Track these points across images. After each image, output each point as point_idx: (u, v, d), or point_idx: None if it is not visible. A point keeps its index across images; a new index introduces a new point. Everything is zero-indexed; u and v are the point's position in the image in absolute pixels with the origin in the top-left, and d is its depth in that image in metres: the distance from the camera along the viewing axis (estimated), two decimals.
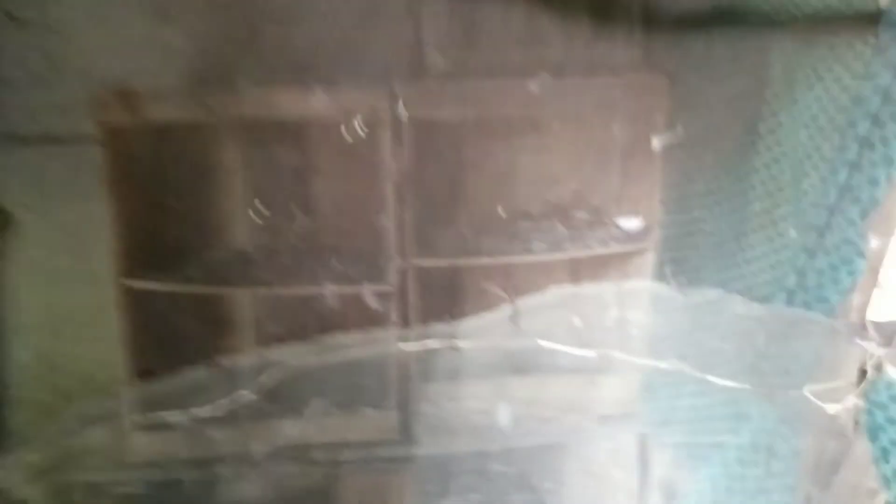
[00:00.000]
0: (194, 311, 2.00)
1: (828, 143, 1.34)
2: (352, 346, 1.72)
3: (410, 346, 1.75)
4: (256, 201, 2.05)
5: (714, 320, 1.43)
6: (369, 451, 1.93)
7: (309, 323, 2.01)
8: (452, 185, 2.10)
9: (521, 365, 1.81)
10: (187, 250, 2.00)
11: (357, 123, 1.82)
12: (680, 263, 1.66)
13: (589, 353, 1.62)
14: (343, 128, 1.85)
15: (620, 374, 1.90)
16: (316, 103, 1.76)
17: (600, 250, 1.96)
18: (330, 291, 1.88)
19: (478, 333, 1.73)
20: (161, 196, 1.94)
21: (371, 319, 1.90)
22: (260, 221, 2.08)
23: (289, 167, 2.03)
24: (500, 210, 2.14)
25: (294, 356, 1.72)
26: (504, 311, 1.75)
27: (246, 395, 1.66)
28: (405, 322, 1.91)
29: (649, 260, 1.93)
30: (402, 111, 1.78)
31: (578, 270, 2.16)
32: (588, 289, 1.80)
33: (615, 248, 1.96)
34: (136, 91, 1.75)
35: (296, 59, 1.94)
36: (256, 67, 1.92)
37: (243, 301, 2.09)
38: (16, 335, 2.22)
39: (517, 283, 2.15)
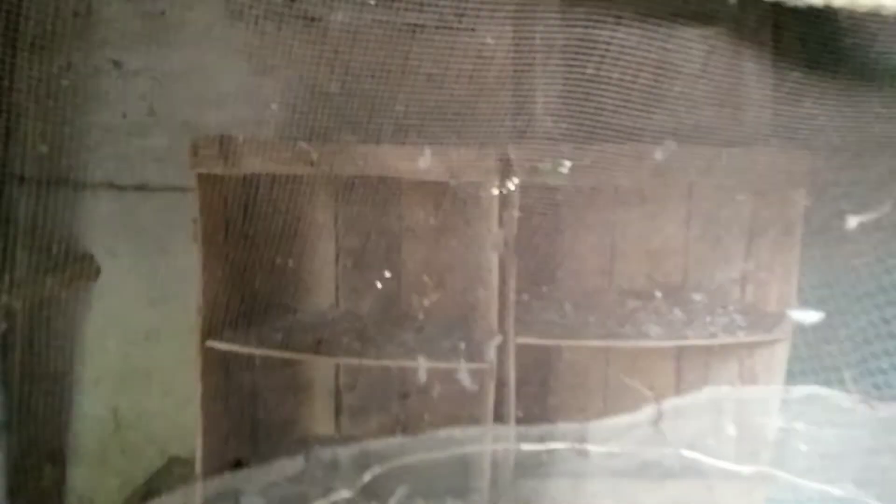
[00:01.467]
0: (275, 378, 1.88)
1: None
2: (460, 442, 1.54)
3: (531, 446, 1.55)
4: (349, 263, 1.94)
5: None
6: None
7: (394, 399, 1.86)
8: (559, 258, 1.94)
9: (635, 470, 1.58)
10: (274, 312, 1.89)
11: (463, 187, 1.69)
12: (862, 367, 1.42)
13: (744, 469, 1.39)
14: (448, 191, 1.73)
15: (740, 488, 1.65)
16: (422, 163, 1.65)
17: (723, 339, 1.74)
18: (421, 365, 1.72)
19: (609, 435, 1.51)
20: (252, 252, 1.85)
21: (464, 399, 1.72)
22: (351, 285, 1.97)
23: (387, 229, 1.92)
24: (609, 287, 1.96)
25: (393, 450, 1.54)
26: (644, 411, 1.53)
27: (342, 494, 1.48)
28: (500, 405, 1.72)
29: (782, 355, 1.70)
30: (513, 176, 1.64)
31: (691, 360, 1.95)
32: (748, 392, 1.57)
33: (741, 337, 1.73)
34: (235, 139, 1.67)
35: (401, 116, 1.85)
36: (361, 123, 1.83)
37: (326, 370, 1.96)
38: (90, 388, 2.15)
39: (623, 370, 1.96)
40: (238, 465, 1.72)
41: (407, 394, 1.87)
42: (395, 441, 1.58)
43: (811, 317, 1.53)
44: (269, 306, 1.92)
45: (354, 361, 1.76)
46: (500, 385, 1.72)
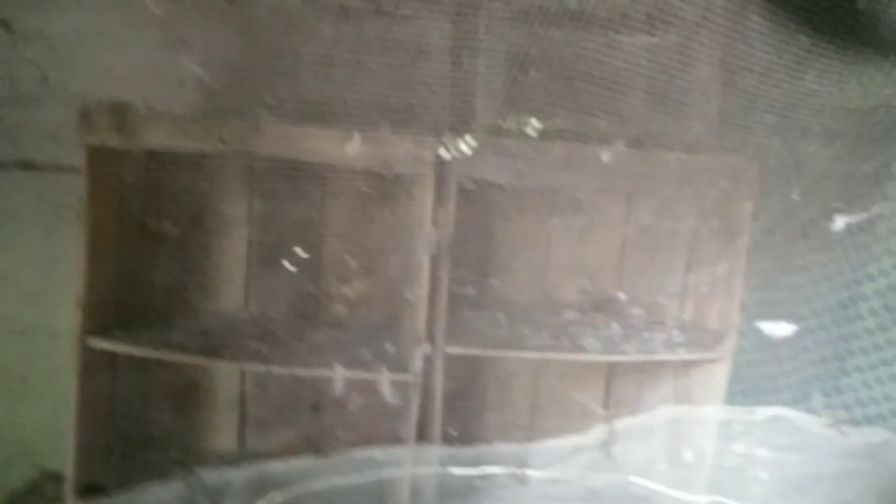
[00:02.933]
0: (168, 386, 1.66)
1: None
2: (378, 464, 1.36)
3: (461, 470, 1.39)
4: (262, 259, 1.74)
5: (874, 469, 1.10)
6: None
7: (305, 412, 1.67)
8: (495, 265, 1.81)
9: (579, 498, 1.44)
10: (173, 310, 1.67)
11: (394, 178, 1.53)
12: (833, 388, 1.33)
13: (699, 500, 1.27)
14: (378, 183, 1.57)
15: None
16: (350, 149, 1.48)
17: (662, 356, 1.64)
18: (337, 374, 1.54)
19: (550, 460, 1.37)
20: (142, 240, 1.63)
21: (385, 414, 1.55)
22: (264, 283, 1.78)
23: (307, 223, 1.73)
24: (545, 299, 1.84)
25: (297, 473, 1.35)
26: (592, 432, 1.40)
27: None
28: (425, 422, 1.56)
29: (721, 374, 1.62)
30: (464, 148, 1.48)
31: (623, 378, 1.85)
32: (706, 413, 1.46)
33: (681, 354, 1.64)
34: (133, 108, 1.46)
35: (330, 100, 1.68)
36: (283, 104, 1.65)
37: (229, 379, 1.75)
38: None
39: (553, 386, 1.84)
40: (100, 490, 1.48)
41: (320, 407, 1.68)
42: (300, 463, 1.39)
43: (780, 330, 1.44)
44: (167, 304, 1.70)
45: (260, 368, 1.56)
46: (426, 399, 1.56)
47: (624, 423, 1.45)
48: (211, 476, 1.35)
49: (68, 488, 1.54)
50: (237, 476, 1.35)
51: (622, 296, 1.84)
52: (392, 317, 1.68)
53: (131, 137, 1.45)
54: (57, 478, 1.66)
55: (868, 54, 1.20)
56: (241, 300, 1.81)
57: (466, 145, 1.46)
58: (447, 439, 1.50)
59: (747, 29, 1.33)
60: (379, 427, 1.59)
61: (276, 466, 1.38)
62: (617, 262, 1.88)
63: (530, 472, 1.38)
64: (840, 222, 1.30)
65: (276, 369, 1.53)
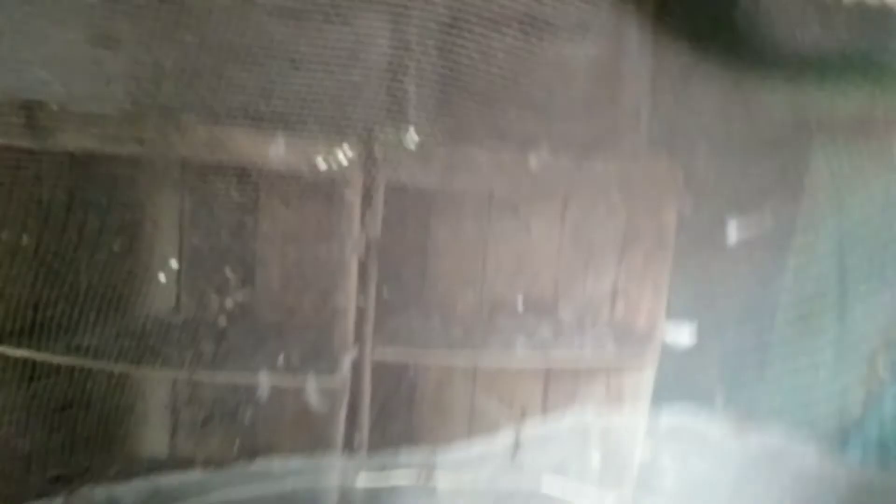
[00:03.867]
0: (93, 394, 1.60)
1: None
2: (289, 474, 1.34)
3: (368, 479, 1.37)
4: (192, 263, 1.70)
5: (773, 475, 1.12)
6: None
7: (234, 421, 1.64)
8: (426, 267, 1.80)
9: None
10: (86, 317, 1.61)
11: (321, 180, 1.51)
12: (734, 390, 1.35)
13: (605, 501, 1.28)
14: (305, 185, 1.55)
15: None
16: (274, 151, 1.45)
17: (591, 358, 1.66)
18: (265, 380, 1.52)
19: (461, 465, 1.36)
20: (61, 241, 1.57)
21: (312, 422, 1.53)
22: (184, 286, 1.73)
23: (230, 224, 1.70)
24: (474, 300, 1.84)
25: (209, 485, 1.32)
26: (500, 438, 1.40)
27: None
28: (353, 430, 1.54)
29: (649, 377, 1.64)
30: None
31: (557, 380, 1.86)
32: (613, 418, 1.47)
33: (610, 358, 1.66)
34: (46, 106, 1.41)
35: (255, 101, 1.65)
36: (208, 105, 1.61)
37: (153, 387, 1.70)
38: None
39: (487, 389, 1.84)
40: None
41: (246, 414, 1.65)
42: (197, 475, 1.36)
43: (684, 334, 1.47)
44: (86, 313, 1.64)
45: (187, 377, 1.52)
46: (354, 405, 1.54)
47: (532, 428, 1.45)
48: (101, 492, 1.31)
49: None
50: (130, 491, 1.31)
51: (555, 299, 1.85)
52: (321, 321, 1.65)
53: (44, 138, 1.40)
54: None
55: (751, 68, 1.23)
56: (170, 305, 1.77)
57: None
58: (371, 445, 1.48)
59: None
60: (306, 434, 1.57)
61: (172, 479, 1.34)
62: (551, 265, 1.89)
63: (439, 482, 1.38)
64: (737, 228, 1.34)
65: (201, 376, 1.50)
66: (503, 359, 1.64)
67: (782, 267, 1.30)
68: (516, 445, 1.38)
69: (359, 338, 1.55)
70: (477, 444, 1.43)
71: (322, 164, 1.48)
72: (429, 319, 1.76)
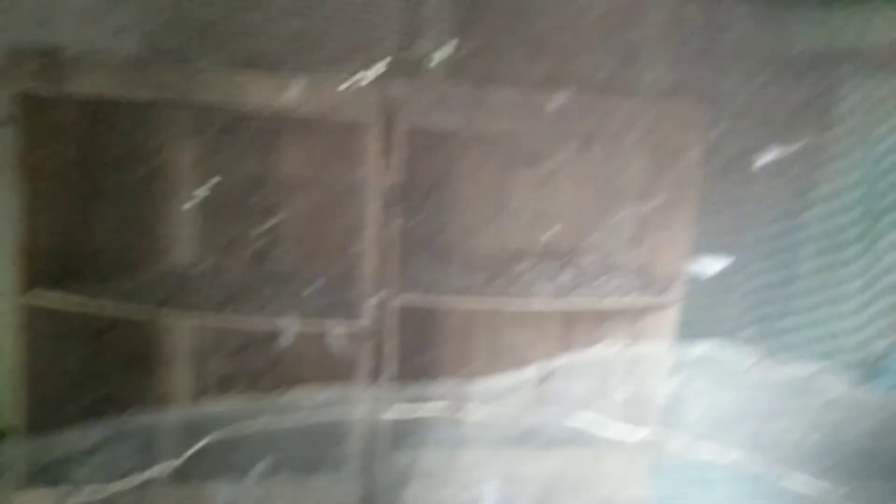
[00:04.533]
0: (115, 341, 1.63)
1: None
2: (317, 407, 1.35)
3: (396, 412, 1.39)
4: (212, 212, 1.70)
5: (801, 405, 1.12)
6: None
7: (260, 364, 1.66)
8: (444, 212, 1.79)
9: (517, 437, 1.46)
10: (113, 263, 1.63)
11: (340, 123, 1.49)
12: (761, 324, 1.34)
13: (633, 434, 1.29)
14: (326, 129, 1.54)
15: (628, 455, 1.58)
16: (293, 95, 1.44)
17: (613, 302, 1.66)
18: (289, 325, 1.53)
19: (486, 399, 1.37)
20: (85, 191, 1.58)
21: (337, 365, 1.55)
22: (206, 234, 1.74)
23: (250, 170, 1.69)
24: (497, 245, 1.84)
25: (238, 415, 1.34)
26: (527, 372, 1.40)
27: (169, 465, 1.27)
28: (378, 372, 1.56)
29: (672, 317, 1.64)
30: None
31: (580, 323, 1.87)
32: (640, 352, 1.47)
33: (633, 300, 1.65)
34: (63, 53, 1.40)
35: (271, 45, 1.63)
36: (224, 50, 1.60)
37: (181, 332, 1.72)
38: None
39: (509, 333, 1.85)
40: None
41: (273, 358, 1.66)
42: (240, 403, 1.39)
43: (712, 266, 1.45)
44: (112, 259, 1.66)
45: (213, 321, 1.54)
46: (378, 348, 1.56)
47: (561, 361, 1.46)
48: (150, 418, 1.34)
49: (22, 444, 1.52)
50: (177, 417, 1.34)
51: (577, 242, 1.85)
52: (344, 266, 1.66)
53: (64, 84, 1.39)
54: (11, 433, 1.63)
55: None
56: (192, 254, 1.78)
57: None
58: (396, 385, 1.50)
59: None
60: (332, 376, 1.59)
61: (216, 408, 1.37)
62: (571, 209, 1.87)
63: (469, 413, 1.39)
64: (765, 158, 1.31)
65: (228, 320, 1.51)
66: (525, 303, 1.64)
67: (810, 198, 1.28)
68: (542, 379, 1.39)
69: (382, 282, 1.55)
70: (503, 378, 1.43)
71: (341, 107, 1.47)
72: (450, 264, 1.76)
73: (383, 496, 1.54)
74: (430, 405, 1.43)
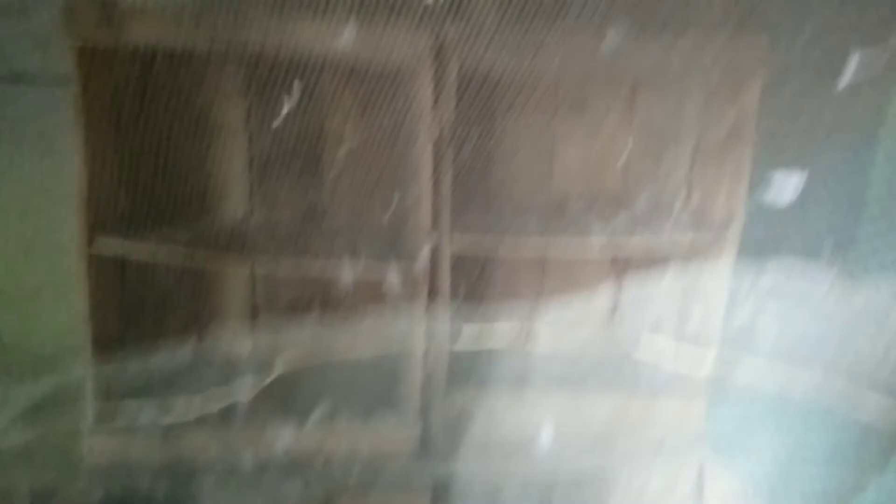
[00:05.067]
0: (173, 287, 1.67)
1: None
2: (378, 344, 1.37)
3: (463, 343, 1.40)
4: (265, 163, 1.71)
5: (878, 332, 1.09)
6: (382, 467, 1.58)
7: (315, 308, 1.69)
8: (495, 156, 1.78)
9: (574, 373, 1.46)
10: (171, 213, 1.66)
11: (391, 70, 1.49)
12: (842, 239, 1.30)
13: (699, 365, 1.28)
14: (376, 75, 1.53)
15: (691, 390, 1.57)
16: (344, 41, 1.43)
17: (668, 241, 1.64)
18: (345, 271, 1.55)
19: (554, 329, 1.37)
20: (143, 144, 1.61)
21: (393, 308, 1.57)
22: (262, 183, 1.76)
23: (303, 119, 1.70)
24: (549, 190, 1.82)
25: (299, 356, 1.37)
26: (595, 302, 1.39)
27: (240, 388, 1.30)
28: (434, 316, 1.57)
29: (729, 256, 1.61)
30: None
31: (632, 270, 1.85)
32: (713, 273, 1.44)
33: (687, 237, 1.63)
34: (124, 3, 1.41)
35: None
36: None
37: (239, 279, 1.76)
38: None
39: (563, 278, 1.85)
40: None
41: (330, 302, 1.69)
42: (308, 333, 1.41)
43: (789, 187, 1.41)
44: (169, 210, 1.69)
45: (270, 264, 1.56)
46: (433, 293, 1.57)
47: (629, 292, 1.44)
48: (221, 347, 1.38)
49: (88, 395, 1.58)
50: (246, 346, 1.38)
51: (626, 190, 1.82)
52: (397, 212, 1.66)
53: (119, 34, 1.41)
54: (77, 386, 1.69)
55: None
56: (244, 207, 1.81)
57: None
58: (453, 329, 1.51)
59: None
60: (387, 322, 1.61)
61: (285, 336, 1.40)
62: (621, 154, 1.85)
63: (535, 346, 1.40)
64: (855, 59, 1.24)
65: (285, 265, 1.53)
66: (578, 247, 1.63)
67: (887, 116, 1.22)
68: (612, 308, 1.38)
69: (435, 227, 1.55)
70: (572, 307, 1.43)
71: (393, 52, 1.46)
72: (503, 209, 1.75)
73: (442, 437, 1.57)
74: (498, 336, 1.43)
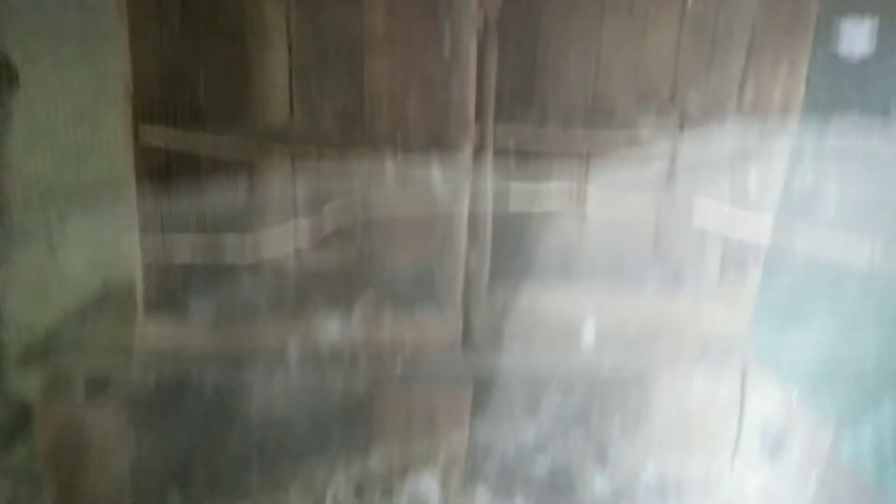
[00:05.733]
0: (224, 183, 1.68)
1: None
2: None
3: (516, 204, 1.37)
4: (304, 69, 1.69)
5: None
6: (424, 359, 1.60)
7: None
8: (540, 55, 1.73)
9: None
10: (213, 109, 1.66)
11: None
12: None
13: (759, 231, 1.23)
14: None
15: (733, 295, 1.55)
16: None
17: (721, 144, 1.58)
18: (387, 169, 1.54)
19: (610, 192, 1.34)
20: (187, 40, 1.60)
21: (436, 208, 1.56)
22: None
23: (347, 27, 1.67)
24: (598, 84, 1.77)
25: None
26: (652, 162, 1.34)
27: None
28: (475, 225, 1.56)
29: (782, 161, 1.55)
30: None
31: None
32: (776, 135, 1.37)
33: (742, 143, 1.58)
34: None
35: None
36: None
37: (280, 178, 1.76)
38: (20, 211, 1.93)
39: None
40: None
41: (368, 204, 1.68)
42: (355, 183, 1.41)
43: (861, 38, 1.33)
44: (212, 105, 1.69)
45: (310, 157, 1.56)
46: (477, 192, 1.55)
47: (688, 154, 1.39)
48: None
49: (139, 297, 1.62)
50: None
51: (675, 90, 1.75)
52: (440, 107, 1.64)
53: None
54: (127, 288, 1.74)
55: None
56: (286, 111, 1.80)
57: None
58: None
59: None
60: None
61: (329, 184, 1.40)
62: (672, 57, 1.78)
63: (589, 208, 1.37)
64: None
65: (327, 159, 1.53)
66: (625, 143, 1.58)
67: None
68: (670, 172, 1.34)
69: (480, 120, 1.53)
70: (629, 168, 1.38)
71: None
72: (547, 108, 1.71)
73: (484, 330, 1.58)
74: (552, 197, 1.39)
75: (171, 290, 1.62)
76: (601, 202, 1.38)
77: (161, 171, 1.60)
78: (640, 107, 1.71)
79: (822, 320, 1.19)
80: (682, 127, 1.62)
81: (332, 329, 1.55)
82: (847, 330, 1.14)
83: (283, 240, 1.60)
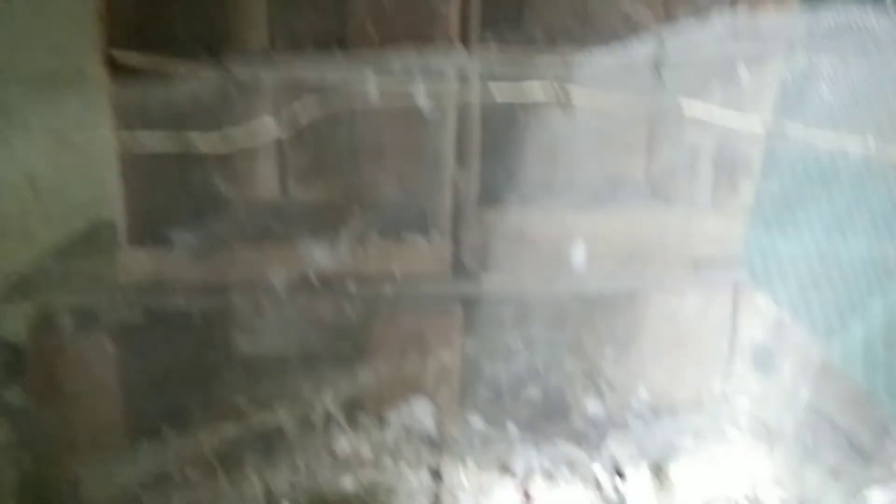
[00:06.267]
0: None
1: None
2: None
3: (501, 93, 1.32)
4: None
5: None
6: (414, 286, 1.57)
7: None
8: None
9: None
10: (187, 38, 1.60)
11: None
12: None
13: (750, 123, 1.19)
14: None
15: (725, 211, 1.52)
16: None
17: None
18: (371, 88, 1.48)
19: (596, 81, 1.29)
20: None
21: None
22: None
23: None
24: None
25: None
26: (640, 48, 1.28)
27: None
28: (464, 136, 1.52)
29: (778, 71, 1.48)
30: None
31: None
32: (765, 23, 1.30)
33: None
34: None
35: None
36: None
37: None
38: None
39: None
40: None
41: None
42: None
43: None
44: (187, 34, 1.63)
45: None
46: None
47: (675, 36, 1.34)
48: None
49: (121, 233, 1.58)
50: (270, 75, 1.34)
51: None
52: (423, 28, 1.57)
53: None
54: (109, 225, 1.70)
55: None
56: (265, 41, 1.75)
57: None
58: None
59: None
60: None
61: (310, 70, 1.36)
62: None
63: (575, 98, 1.31)
64: None
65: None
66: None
67: None
68: (657, 63, 1.29)
69: (464, 41, 1.47)
70: (614, 56, 1.32)
71: None
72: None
73: (473, 255, 1.56)
74: (537, 85, 1.32)
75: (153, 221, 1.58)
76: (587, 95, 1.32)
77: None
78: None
79: (813, 225, 1.16)
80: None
81: (320, 258, 1.51)
82: (838, 234, 1.11)
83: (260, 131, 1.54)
